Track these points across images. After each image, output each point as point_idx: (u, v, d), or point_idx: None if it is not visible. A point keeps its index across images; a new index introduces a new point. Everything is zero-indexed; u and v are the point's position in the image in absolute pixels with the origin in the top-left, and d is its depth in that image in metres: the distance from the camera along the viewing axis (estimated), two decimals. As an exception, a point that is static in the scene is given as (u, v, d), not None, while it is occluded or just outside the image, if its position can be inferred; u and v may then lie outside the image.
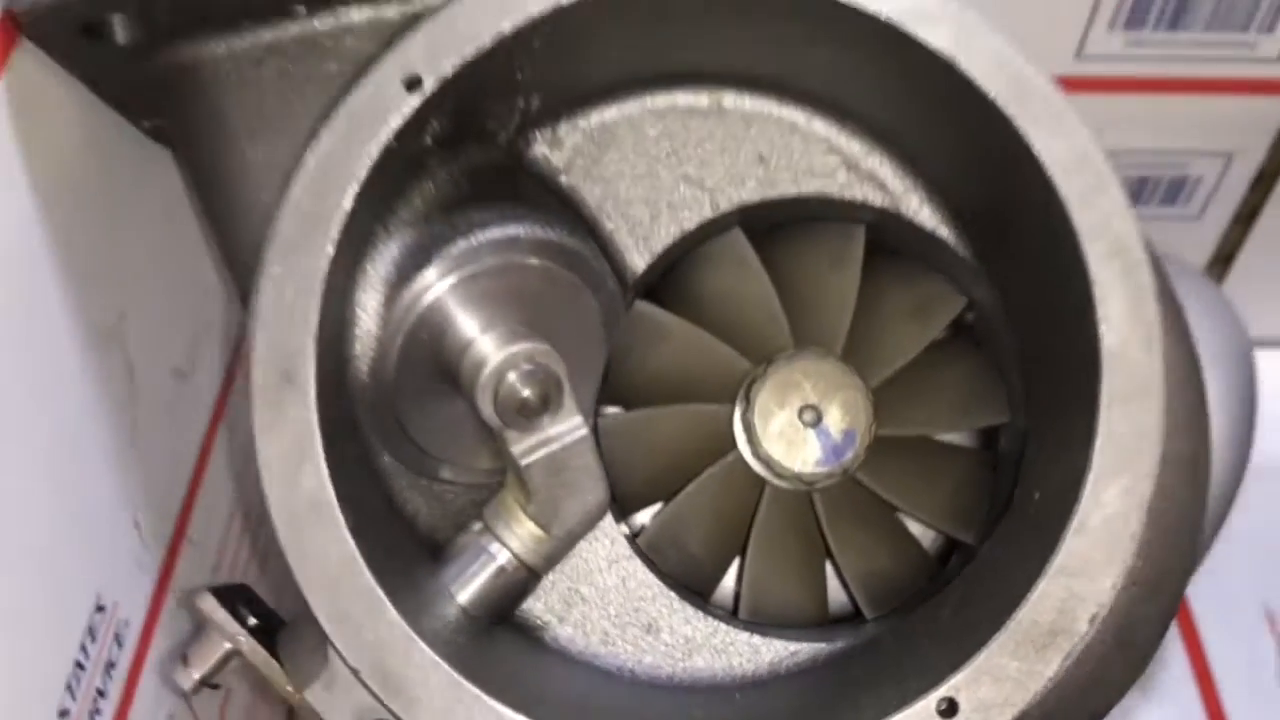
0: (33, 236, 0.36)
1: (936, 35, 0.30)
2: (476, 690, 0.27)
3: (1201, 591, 0.61)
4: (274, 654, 0.30)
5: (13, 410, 0.34)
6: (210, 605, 0.30)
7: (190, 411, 0.47)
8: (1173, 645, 0.61)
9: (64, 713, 0.36)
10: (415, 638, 0.27)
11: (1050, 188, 0.29)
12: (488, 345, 0.30)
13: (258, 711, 0.53)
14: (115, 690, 0.39)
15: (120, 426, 0.40)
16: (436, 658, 0.27)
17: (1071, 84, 0.60)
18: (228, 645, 0.31)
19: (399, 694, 0.27)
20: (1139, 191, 0.65)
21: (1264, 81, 0.60)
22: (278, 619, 0.32)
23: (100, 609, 0.39)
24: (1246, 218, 0.66)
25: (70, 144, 0.38)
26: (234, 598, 0.31)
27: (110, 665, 0.39)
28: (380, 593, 0.27)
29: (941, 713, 0.27)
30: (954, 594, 0.32)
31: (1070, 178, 0.29)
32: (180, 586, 0.45)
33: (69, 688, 0.37)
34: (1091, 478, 0.28)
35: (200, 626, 0.31)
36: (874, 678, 0.29)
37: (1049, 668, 0.27)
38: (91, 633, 0.38)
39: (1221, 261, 0.69)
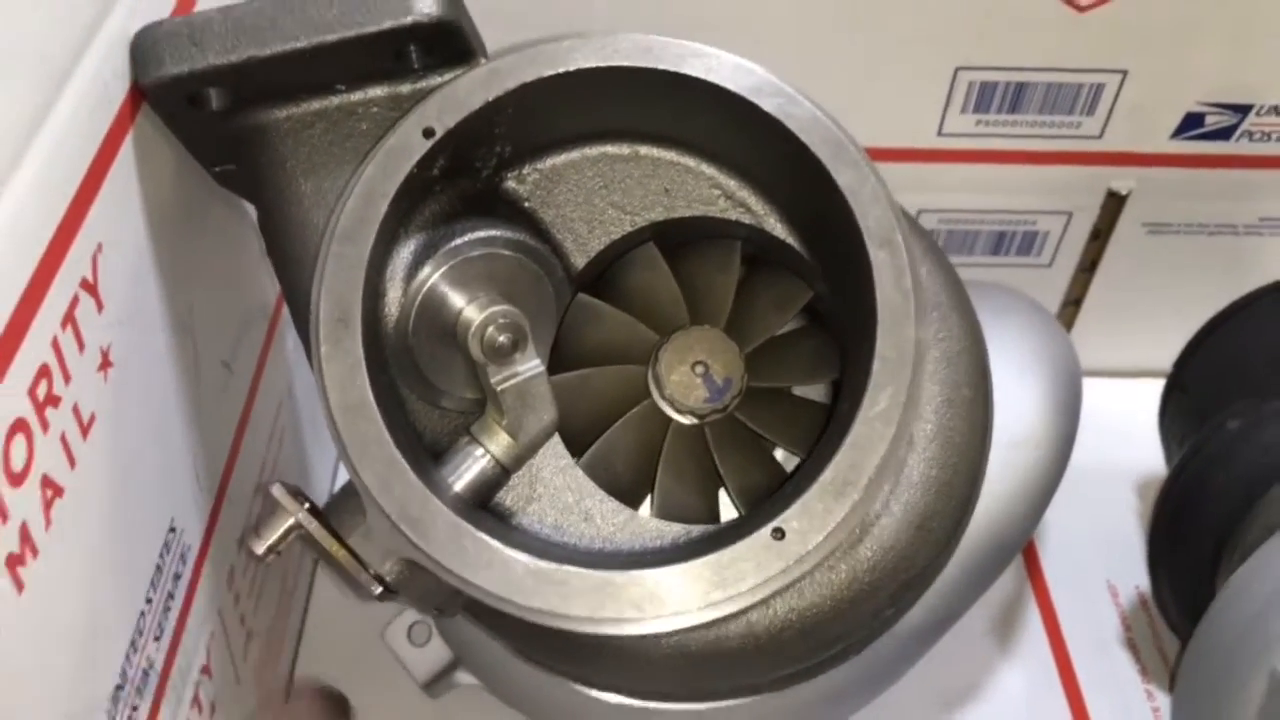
0: (144, 246, 0.44)
1: (770, 104, 0.40)
2: (470, 527, 0.37)
3: (1055, 566, 0.72)
4: (324, 524, 0.41)
5: (134, 377, 0.42)
6: (279, 490, 0.40)
7: (233, 399, 0.55)
8: (1029, 611, 0.71)
9: (149, 600, 0.44)
10: (429, 493, 0.37)
11: (846, 205, 0.39)
12: (476, 308, 0.40)
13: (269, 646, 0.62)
14: (179, 596, 0.47)
15: (191, 400, 0.48)
16: (444, 506, 0.37)
17: (936, 155, 0.71)
18: (290, 519, 0.40)
19: (418, 530, 0.37)
20: (999, 244, 0.74)
21: (1089, 154, 0.68)
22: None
23: (173, 530, 0.47)
24: (1089, 266, 0.75)
25: (166, 180, 0.45)
26: (295, 491, 0.41)
27: (176, 576, 0.47)
28: (404, 463, 0.37)
29: (775, 537, 0.37)
30: (792, 479, 0.44)
31: (856, 197, 0.39)
32: (220, 532, 0.53)
33: (151, 584, 0.45)
34: (870, 387, 0.38)
35: (269, 508, 0.40)
36: (736, 531, 0.39)
37: (842, 508, 0.37)
38: (167, 546, 0.46)
39: (1072, 304, 0.78)
